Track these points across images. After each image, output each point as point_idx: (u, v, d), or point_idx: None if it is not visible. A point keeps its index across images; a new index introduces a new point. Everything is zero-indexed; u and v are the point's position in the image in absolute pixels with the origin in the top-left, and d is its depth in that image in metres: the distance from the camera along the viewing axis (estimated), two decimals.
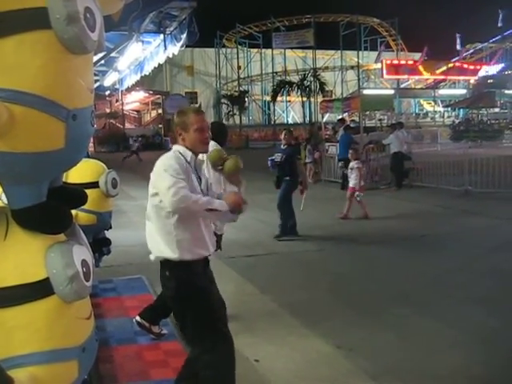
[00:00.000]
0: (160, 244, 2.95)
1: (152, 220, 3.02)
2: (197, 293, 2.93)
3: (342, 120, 16.96)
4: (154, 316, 4.46)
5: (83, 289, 1.79)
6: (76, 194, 2.16)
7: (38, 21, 1.62)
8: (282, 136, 8.84)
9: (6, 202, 1.92)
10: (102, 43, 1.81)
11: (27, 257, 1.76)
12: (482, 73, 49.44)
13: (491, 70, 49.84)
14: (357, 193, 9.81)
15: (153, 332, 4.43)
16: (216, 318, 2.96)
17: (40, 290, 1.73)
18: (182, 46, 17.59)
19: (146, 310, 4.50)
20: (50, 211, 1.85)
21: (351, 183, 9.99)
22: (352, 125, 19.03)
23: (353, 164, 10.07)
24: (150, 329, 4.43)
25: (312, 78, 41.95)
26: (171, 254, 2.91)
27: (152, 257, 3.06)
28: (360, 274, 6.28)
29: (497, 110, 39.42)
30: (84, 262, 1.83)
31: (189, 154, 3.00)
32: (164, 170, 2.88)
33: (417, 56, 53.59)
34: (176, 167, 2.88)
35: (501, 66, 49.52)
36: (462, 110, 41.79)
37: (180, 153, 3.00)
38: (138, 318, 4.46)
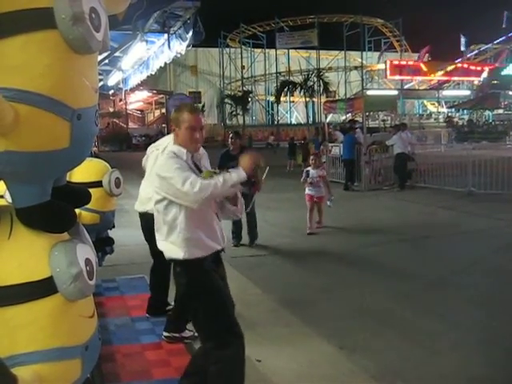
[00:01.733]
0: (169, 245, 2.96)
1: (159, 226, 3.01)
2: (208, 289, 2.94)
3: (353, 121, 16.94)
4: (177, 325, 4.40)
5: (87, 287, 1.80)
6: (80, 193, 2.17)
7: (44, 21, 1.63)
8: (229, 140, 7.71)
9: (10, 200, 1.93)
10: (106, 43, 1.82)
11: (31, 255, 1.77)
12: (486, 74, 49.28)
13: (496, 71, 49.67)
14: (328, 201, 9.35)
15: (186, 337, 4.36)
16: (227, 315, 2.95)
17: (44, 288, 1.74)
18: (188, 46, 17.62)
19: (167, 324, 4.43)
20: (54, 210, 1.86)
21: (320, 192, 8.99)
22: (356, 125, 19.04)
23: (318, 172, 8.99)
24: (182, 336, 4.36)
25: (315, 79, 41.93)
26: (180, 252, 2.91)
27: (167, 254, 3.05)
28: (362, 274, 6.28)
29: (500, 111, 39.34)
30: (87, 261, 1.83)
31: (183, 152, 2.99)
32: (168, 171, 2.85)
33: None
34: (179, 164, 2.86)
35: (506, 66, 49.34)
36: (465, 110, 41.71)
37: (174, 153, 2.97)
38: (164, 333, 4.37)
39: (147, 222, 4.33)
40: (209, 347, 2.94)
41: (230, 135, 7.89)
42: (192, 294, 2.98)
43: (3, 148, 1.65)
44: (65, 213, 1.91)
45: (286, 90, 43.50)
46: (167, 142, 4.37)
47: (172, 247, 2.94)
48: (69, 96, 1.71)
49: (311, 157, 9.45)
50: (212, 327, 2.93)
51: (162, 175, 2.89)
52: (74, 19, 1.62)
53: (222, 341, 2.88)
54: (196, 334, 4.24)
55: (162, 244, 3.02)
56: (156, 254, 3.18)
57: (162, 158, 3.01)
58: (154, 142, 5.12)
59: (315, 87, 42.02)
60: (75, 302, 1.81)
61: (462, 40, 54.05)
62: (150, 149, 4.85)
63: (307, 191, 8.95)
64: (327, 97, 40.48)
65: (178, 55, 19.38)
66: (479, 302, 5.19)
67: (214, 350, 2.89)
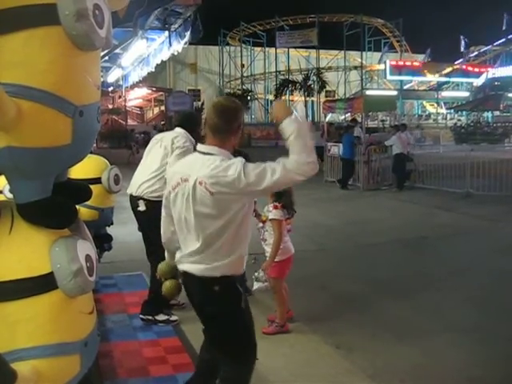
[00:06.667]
0: (213, 261, 2.58)
1: (205, 240, 2.57)
2: (244, 309, 2.74)
3: (354, 120, 16.96)
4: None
5: (87, 283, 1.81)
6: (81, 190, 2.18)
7: (47, 17, 1.63)
8: None
9: (11, 196, 1.93)
10: (109, 40, 1.82)
11: (32, 251, 1.77)
12: (488, 75, 49.26)
13: (498, 72, 49.70)
14: (256, 282, 4.29)
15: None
16: (253, 333, 2.84)
17: (44, 284, 1.74)
18: (185, 44, 17.62)
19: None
20: (56, 206, 1.86)
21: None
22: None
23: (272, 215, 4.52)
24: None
25: (315, 78, 41.87)
26: (224, 269, 2.58)
27: (199, 272, 2.62)
28: (360, 274, 6.28)
29: (498, 112, 39.27)
30: (88, 257, 1.84)
31: None
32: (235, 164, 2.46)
33: (421, 57, 53.55)
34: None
35: (507, 68, 49.34)
36: (465, 112, 41.68)
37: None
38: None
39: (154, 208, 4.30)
40: (229, 365, 2.78)
41: None
42: (229, 314, 2.70)
43: (5, 144, 1.66)
44: (66, 209, 1.91)
45: (285, 89, 43.40)
46: (175, 134, 4.63)
47: (217, 262, 2.57)
48: (71, 92, 1.71)
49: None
50: (241, 347, 2.78)
51: (224, 171, 2.44)
52: (78, 16, 1.63)
53: (246, 360, 2.79)
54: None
55: (205, 259, 2.60)
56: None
57: (225, 164, 2.47)
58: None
59: (314, 86, 41.93)
60: (75, 298, 1.81)
61: (462, 41, 54.03)
62: (156, 137, 4.90)
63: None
64: (326, 96, 40.43)
65: (175, 53, 19.35)
66: (477, 302, 5.20)
67: (236, 368, 2.78)
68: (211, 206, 2.48)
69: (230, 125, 2.58)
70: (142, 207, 4.60)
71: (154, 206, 4.31)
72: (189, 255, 2.64)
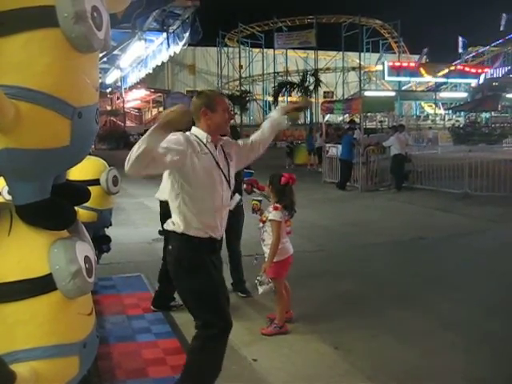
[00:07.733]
0: (173, 218, 3.04)
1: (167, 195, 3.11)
2: (194, 269, 2.97)
3: (352, 121, 17.00)
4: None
5: (86, 285, 1.81)
6: (80, 191, 2.18)
7: (46, 19, 1.64)
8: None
9: (10, 197, 1.94)
10: (108, 42, 1.83)
11: (31, 252, 1.78)
12: (486, 75, 49.36)
13: (496, 73, 49.82)
14: (263, 275, 4.36)
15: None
16: (215, 299, 3.02)
17: (43, 285, 1.75)
18: (184, 45, 17.66)
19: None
20: (54, 207, 1.87)
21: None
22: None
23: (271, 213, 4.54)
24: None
25: (311, 79, 41.89)
26: (176, 226, 2.98)
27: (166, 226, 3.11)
28: (359, 275, 6.29)
29: (494, 113, 39.31)
30: (87, 259, 1.85)
31: (204, 136, 3.00)
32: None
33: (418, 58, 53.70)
34: (177, 139, 2.83)
35: (505, 69, 49.47)
36: (463, 112, 41.73)
37: (194, 134, 3.01)
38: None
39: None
40: (196, 324, 3.06)
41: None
42: (179, 272, 3.02)
43: (4, 145, 1.66)
44: (64, 210, 1.92)
45: (283, 90, 43.40)
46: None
47: (172, 219, 3.03)
48: (70, 94, 1.72)
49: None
50: (197, 310, 3.04)
51: None
52: (76, 18, 1.64)
53: (208, 321, 2.98)
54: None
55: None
56: None
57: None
58: None
59: (312, 87, 41.94)
60: (74, 299, 1.81)
61: (460, 42, 54.16)
62: None
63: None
64: (325, 97, 40.46)
65: (173, 54, 19.41)
66: (475, 302, 5.21)
67: (200, 328, 3.02)
68: None
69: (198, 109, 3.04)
70: None
71: None
72: None
